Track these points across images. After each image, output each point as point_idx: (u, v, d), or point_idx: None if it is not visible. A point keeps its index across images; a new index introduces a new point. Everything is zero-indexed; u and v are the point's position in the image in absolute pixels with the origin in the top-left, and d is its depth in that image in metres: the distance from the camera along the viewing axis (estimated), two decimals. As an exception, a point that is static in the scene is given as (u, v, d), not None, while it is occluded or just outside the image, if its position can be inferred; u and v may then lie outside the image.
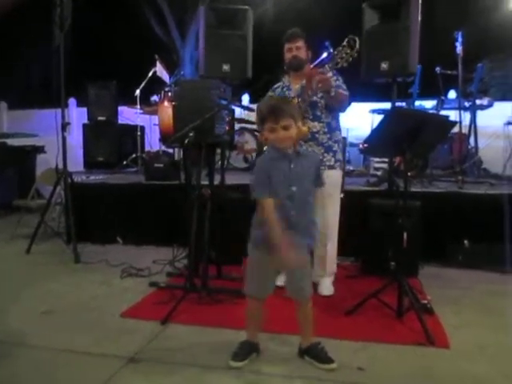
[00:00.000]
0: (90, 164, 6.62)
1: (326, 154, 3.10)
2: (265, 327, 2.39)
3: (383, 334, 2.54)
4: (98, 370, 2.17)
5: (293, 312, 2.29)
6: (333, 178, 3.06)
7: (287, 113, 2.09)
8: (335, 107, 3.15)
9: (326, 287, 3.19)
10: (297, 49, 3.14)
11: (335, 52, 2.83)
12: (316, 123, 3.11)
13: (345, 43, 2.80)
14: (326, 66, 2.87)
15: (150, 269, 3.64)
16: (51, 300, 3.08)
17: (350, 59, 2.81)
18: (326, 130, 3.13)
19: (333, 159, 3.13)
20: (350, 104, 3.21)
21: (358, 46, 2.78)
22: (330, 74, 2.93)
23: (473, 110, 5.80)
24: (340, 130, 3.28)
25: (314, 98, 3.07)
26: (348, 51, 2.79)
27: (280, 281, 2.65)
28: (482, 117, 6.13)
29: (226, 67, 4.15)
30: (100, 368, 2.19)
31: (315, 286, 3.21)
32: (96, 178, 5.42)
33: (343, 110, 3.23)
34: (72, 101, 9.09)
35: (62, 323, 2.71)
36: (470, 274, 3.67)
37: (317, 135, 3.10)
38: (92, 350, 2.36)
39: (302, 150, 2.23)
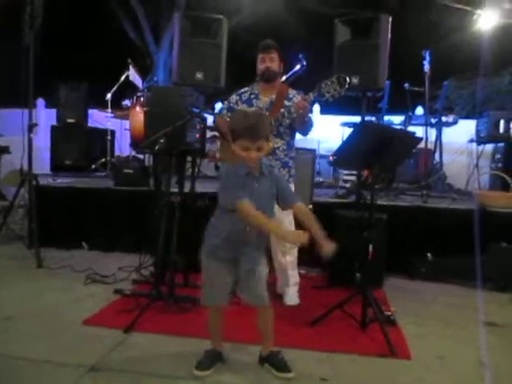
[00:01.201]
0: (57, 167, 6.47)
1: (281, 169, 3.16)
2: (228, 336, 2.39)
3: (347, 345, 2.57)
4: (57, 380, 2.12)
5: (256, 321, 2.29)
6: None
7: (263, 134, 2.09)
8: (299, 130, 3.23)
9: (291, 297, 3.21)
10: (270, 60, 3.16)
11: (322, 85, 2.82)
12: (278, 139, 3.15)
13: (334, 79, 2.80)
14: (311, 94, 2.89)
15: (116, 275, 3.58)
16: (11, 306, 2.99)
17: (337, 96, 2.83)
18: (285, 147, 3.18)
19: (287, 174, 3.19)
20: (311, 130, 3.27)
21: (347, 85, 2.79)
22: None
23: (439, 126, 5.99)
24: (295, 147, 3.34)
25: (283, 118, 3.12)
26: (337, 88, 2.80)
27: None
28: (448, 133, 6.34)
29: (199, 75, 4.16)
30: (59, 377, 2.14)
31: (280, 297, 3.23)
32: (63, 181, 5.30)
33: (305, 134, 3.29)
34: (40, 101, 8.91)
35: (21, 330, 2.63)
36: (433, 286, 3.77)
37: (277, 151, 3.15)
38: (52, 358, 2.30)
39: (263, 168, 2.17)
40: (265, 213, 2.13)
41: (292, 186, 3.21)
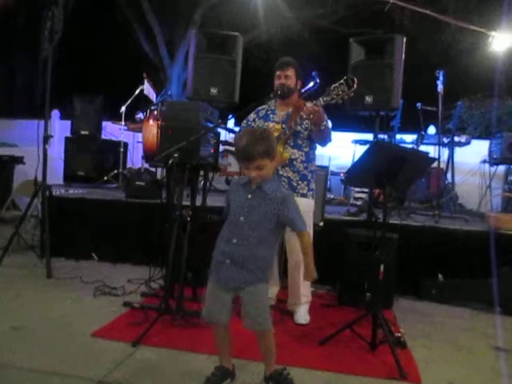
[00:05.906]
0: (69, 177, 6.51)
1: (300, 182, 3.16)
2: (235, 353, 2.36)
3: (356, 367, 2.53)
4: (65, 392, 2.11)
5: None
6: (304, 206, 3.10)
7: (260, 154, 2.07)
8: (317, 140, 3.23)
9: (302, 316, 3.18)
10: (285, 77, 3.20)
11: (331, 88, 2.87)
12: (295, 150, 3.16)
13: (342, 81, 2.84)
14: (321, 99, 2.91)
15: (125, 288, 3.58)
16: (20, 315, 2.99)
17: (346, 97, 2.87)
18: (303, 158, 3.18)
19: (306, 188, 3.18)
20: (330, 140, 3.26)
21: (355, 86, 2.82)
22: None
23: (451, 146, 5.97)
24: (315, 161, 3.34)
25: (298, 128, 3.13)
26: (345, 89, 2.83)
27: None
28: (460, 153, 6.32)
29: (213, 91, 4.20)
30: (66, 390, 2.13)
31: (291, 314, 3.21)
32: (75, 192, 5.34)
33: (324, 144, 3.29)
34: (55, 113, 9.04)
35: (29, 340, 2.63)
36: (443, 308, 3.71)
37: (294, 162, 3.15)
38: (59, 370, 2.29)
39: (267, 187, 2.15)
40: (252, 228, 2.12)
41: (311, 201, 3.21)
